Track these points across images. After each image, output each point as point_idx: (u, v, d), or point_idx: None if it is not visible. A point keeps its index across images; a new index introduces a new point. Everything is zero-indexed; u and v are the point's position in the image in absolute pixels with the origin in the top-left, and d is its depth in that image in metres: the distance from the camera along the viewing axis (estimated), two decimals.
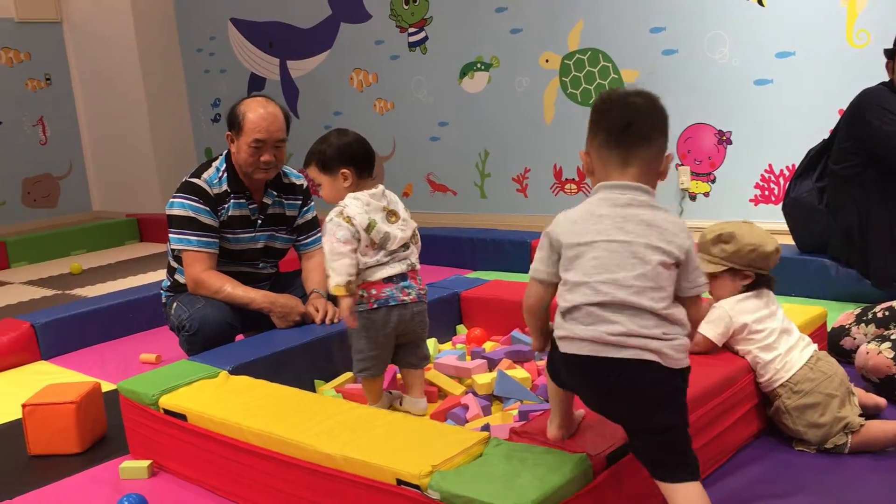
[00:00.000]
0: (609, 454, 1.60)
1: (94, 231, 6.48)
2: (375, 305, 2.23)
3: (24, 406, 2.35)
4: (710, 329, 2.06)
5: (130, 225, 6.67)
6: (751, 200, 4.52)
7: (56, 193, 7.93)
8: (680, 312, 1.48)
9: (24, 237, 6.16)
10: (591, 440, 1.64)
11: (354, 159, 2.30)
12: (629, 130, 1.50)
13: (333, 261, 2.17)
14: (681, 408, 1.50)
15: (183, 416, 2.09)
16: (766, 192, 4.47)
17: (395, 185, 6.27)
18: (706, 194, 4.69)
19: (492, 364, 2.58)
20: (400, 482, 1.59)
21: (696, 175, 4.71)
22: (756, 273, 2.06)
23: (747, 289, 2.06)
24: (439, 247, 4.52)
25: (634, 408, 1.48)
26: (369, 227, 2.21)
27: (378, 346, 2.27)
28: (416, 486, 1.56)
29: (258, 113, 2.74)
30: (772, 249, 2.06)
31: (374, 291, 2.23)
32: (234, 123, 2.77)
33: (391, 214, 2.27)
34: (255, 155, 2.74)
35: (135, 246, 6.46)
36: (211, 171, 2.85)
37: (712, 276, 2.06)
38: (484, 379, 2.40)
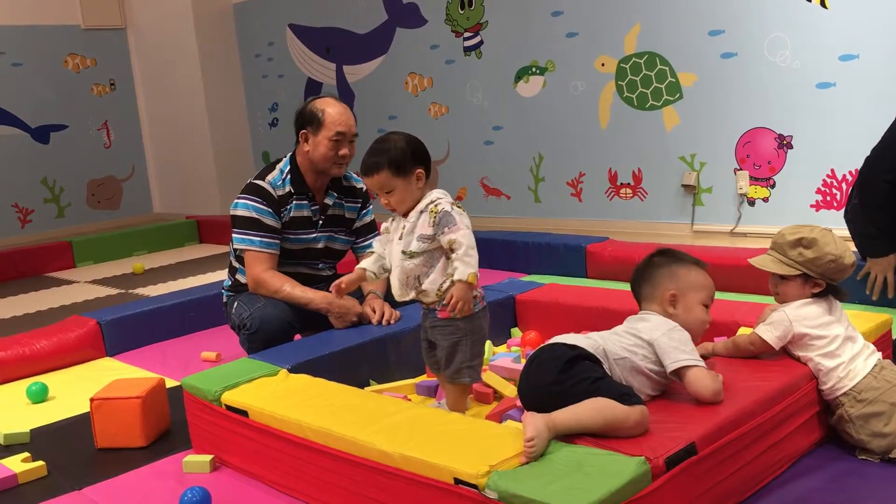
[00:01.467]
0: (668, 458, 1.59)
1: (156, 232, 6.65)
2: (485, 303, 2.23)
3: (91, 400, 2.42)
4: (769, 331, 2.03)
5: (190, 226, 6.82)
6: (812, 206, 4.44)
7: (119, 195, 8.15)
8: None
9: (89, 238, 6.35)
10: (650, 443, 1.63)
11: (424, 158, 2.24)
12: (633, 284, 2.08)
13: (474, 248, 2.11)
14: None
15: (245, 413, 2.13)
16: (828, 198, 4.38)
17: (449, 188, 6.26)
18: (765, 199, 4.62)
19: None
20: (458, 481, 1.61)
21: (755, 180, 4.64)
22: (827, 283, 2.03)
23: (813, 296, 2.03)
24: (494, 250, 4.52)
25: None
26: None
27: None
28: (474, 486, 1.57)
29: (337, 108, 2.86)
30: (849, 263, 2.02)
31: (481, 290, 2.22)
32: (313, 120, 2.85)
33: None
34: (334, 149, 2.83)
35: (194, 247, 6.61)
36: (275, 173, 2.92)
37: (783, 278, 2.04)
38: None
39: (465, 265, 2.09)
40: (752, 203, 4.67)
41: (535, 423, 1.65)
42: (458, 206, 2.18)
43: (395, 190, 2.19)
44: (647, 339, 1.90)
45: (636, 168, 5.15)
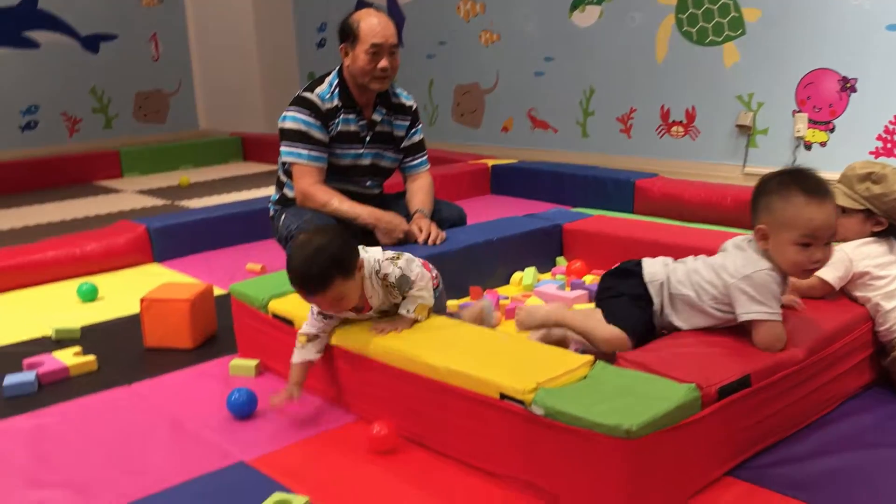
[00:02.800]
0: (721, 388, 1.58)
1: (201, 147, 6.68)
2: (440, 285, 2.22)
3: (142, 301, 2.46)
4: (829, 272, 1.98)
5: (235, 143, 6.84)
6: (871, 153, 4.30)
7: (165, 109, 8.17)
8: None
9: (136, 149, 6.40)
10: (703, 372, 1.62)
11: (354, 243, 1.98)
12: None
13: (428, 286, 2.05)
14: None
15: (290, 322, 2.15)
16: (889, 145, 4.25)
17: (494, 119, 6.22)
18: (823, 144, 4.49)
19: (592, 295, 2.55)
20: (503, 396, 1.61)
21: (813, 123, 4.50)
22: (890, 223, 1.97)
23: (874, 234, 1.98)
24: (540, 181, 4.49)
25: None
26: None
27: None
28: (521, 402, 1.58)
29: (372, 20, 2.80)
30: None
31: (436, 275, 2.22)
32: (349, 33, 2.81)
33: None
34: (372, 62, 2.77)
35: (238, 164, 6.64)
36: (324, 86, 2.89)
37: (844, 211, 1.99)
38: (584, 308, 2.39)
39: (415, 301, 2.00)
40: (808, 147, 4.55)
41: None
42: (395, 258, 2.01)
43: (348, 293, 1.91)
44: (725, 280, 1.82)
45: (690, 106, 5.03)
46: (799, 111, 4.54)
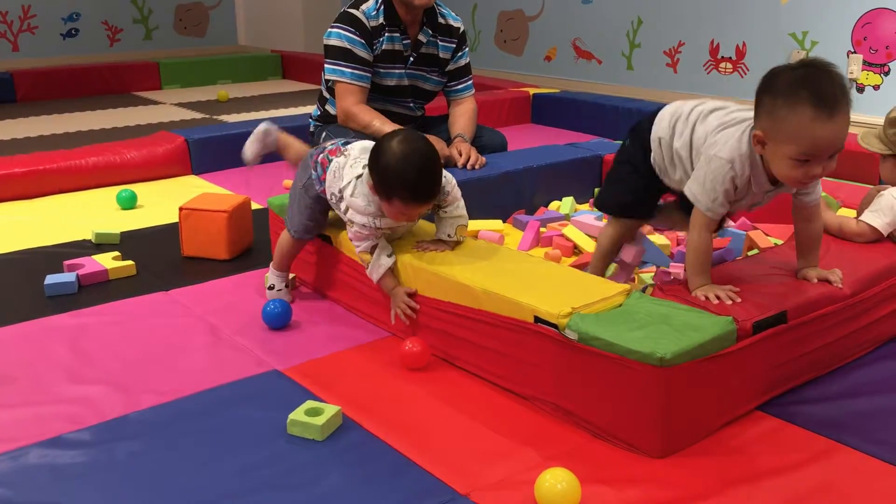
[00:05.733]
0: (757, 322, 1.56)
1: (241, 63, 6.64)
2: None
3: (180, 210, 2.48)
4: (876, 218, 1.95)
5: (274, 60, 6.78)
6: None
7: (205, 23, 8.11)
8: None
9: (176, 61, 6.38)
10: (743, 306, 1.60)
11: None
12: None
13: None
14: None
15: (328, 239, 2.16)
16: None
17: (538, 47, 6.10)
18: (876, 87, 4.35)
19: None
20: (538, 320, 1.61)
21: (868, 65, 4.36)
22: None
23: None
24: (582, 112, 4.41)
25: None
26: None
27: None
28: (554, 325, 1.57)
29: None
30: None
31: None
32: None
33: None
34: None
35: (277, 81, 6.60)
36: (369, 2, 2.84)
37: (882, 157, 2.01)
38: None
39: (453, 224, 1.97)
40: (861, 90, 4.41)
41: None
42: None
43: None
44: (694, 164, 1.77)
45: (741, 42, 4.88)
46: (854, 52, 4.39)
